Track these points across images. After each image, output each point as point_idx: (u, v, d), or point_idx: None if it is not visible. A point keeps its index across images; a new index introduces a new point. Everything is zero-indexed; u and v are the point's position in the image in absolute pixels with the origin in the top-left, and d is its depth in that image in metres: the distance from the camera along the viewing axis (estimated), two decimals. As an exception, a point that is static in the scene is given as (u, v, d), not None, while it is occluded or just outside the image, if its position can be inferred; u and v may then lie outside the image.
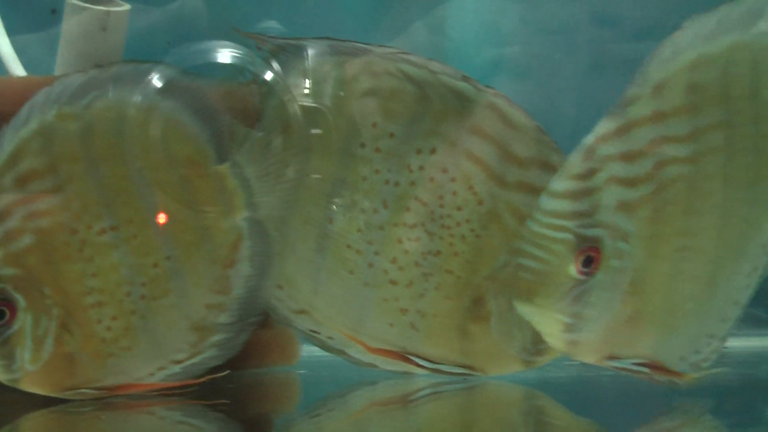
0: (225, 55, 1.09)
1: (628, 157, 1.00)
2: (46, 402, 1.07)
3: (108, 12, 1.23)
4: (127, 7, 1.24)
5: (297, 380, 1.28)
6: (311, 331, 1.14)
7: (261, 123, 1.10)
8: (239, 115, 1.11)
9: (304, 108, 1.09)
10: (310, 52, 1.11)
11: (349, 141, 1.11)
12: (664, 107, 1.00)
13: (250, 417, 1.07)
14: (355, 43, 1.11)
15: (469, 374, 1.12)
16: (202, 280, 1.10)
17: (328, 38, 1.12)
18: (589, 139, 1.00)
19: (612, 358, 1.03)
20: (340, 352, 1.14)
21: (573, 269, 1.00)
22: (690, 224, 1.02)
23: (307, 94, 1.10)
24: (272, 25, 1.20)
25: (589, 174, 0.99)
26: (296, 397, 1.26)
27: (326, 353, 1.15)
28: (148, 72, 1.08)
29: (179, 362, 1.11)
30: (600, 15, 1.56)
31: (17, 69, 1.31)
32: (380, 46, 1.11)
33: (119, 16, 1.24)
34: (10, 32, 1.35)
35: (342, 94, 1.10)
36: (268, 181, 1.10)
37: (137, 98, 1.07)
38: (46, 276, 1.06)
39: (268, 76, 1.10)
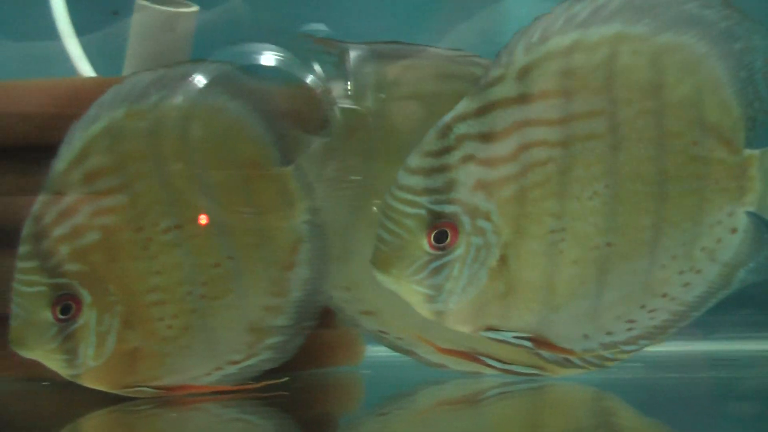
0: (287, 59, 1.10)
1: (487, 137, 0.99)
2: (102, 401, 1.07)
3: (177, 13, 1.24)
4: (195, 8, 1.25)
5: (361, 380, 1.28)
6: (380, 331, 1.13)
7: (326, 127, 1.11)
8: (304, 119, 1.11)
9: (368, 112, 1.09)
10: (378, 55, 1.10)
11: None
12: (530, 90, 1.00)
13: (313, 415, 1.06)
14: (424, 47, 1.11)
15: (539, 374, 1.11)
16: (261, 281, 1.10)
17: (395, 42, 1.12)
18: (447, 117, 1.00)
19: (490, 329, 1.04)
20: (409, 353, 1.13)
21: (425, 243, 1.01)
22: (565, 207, 1.01)
23: (372, 98, 1.10)
24: (319, 27, 1.20)
25: (443, 152, 1.00)
26: (360, 396, 1.26)
27: (390, 353, 1.14)
28: (215, 72, 1.08)
29: (235, 363, 1.11)
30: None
31: (86, 70, 1.32)
32: (449, 49, 1.11)
33: (187, 17, 1.24)
34: (69, 33, 1.35)
35: (409, 97, 1.10)
36: (331, 185, 1.10)
37: (204, 98, 1.07)
38: (111, 273, 1.06)
39: (332, 80, 1.10)
